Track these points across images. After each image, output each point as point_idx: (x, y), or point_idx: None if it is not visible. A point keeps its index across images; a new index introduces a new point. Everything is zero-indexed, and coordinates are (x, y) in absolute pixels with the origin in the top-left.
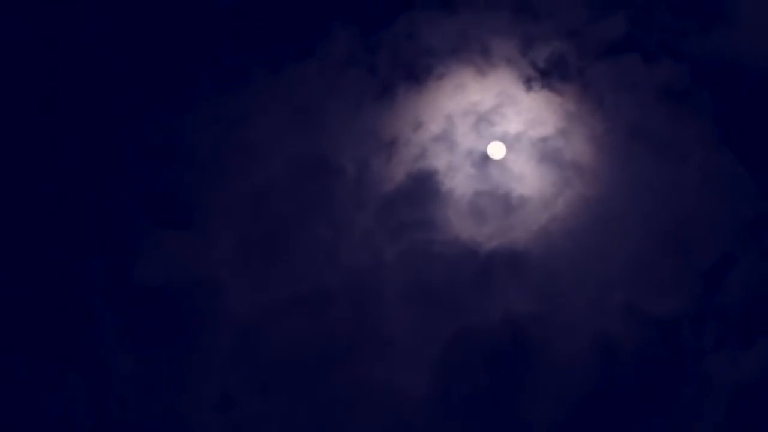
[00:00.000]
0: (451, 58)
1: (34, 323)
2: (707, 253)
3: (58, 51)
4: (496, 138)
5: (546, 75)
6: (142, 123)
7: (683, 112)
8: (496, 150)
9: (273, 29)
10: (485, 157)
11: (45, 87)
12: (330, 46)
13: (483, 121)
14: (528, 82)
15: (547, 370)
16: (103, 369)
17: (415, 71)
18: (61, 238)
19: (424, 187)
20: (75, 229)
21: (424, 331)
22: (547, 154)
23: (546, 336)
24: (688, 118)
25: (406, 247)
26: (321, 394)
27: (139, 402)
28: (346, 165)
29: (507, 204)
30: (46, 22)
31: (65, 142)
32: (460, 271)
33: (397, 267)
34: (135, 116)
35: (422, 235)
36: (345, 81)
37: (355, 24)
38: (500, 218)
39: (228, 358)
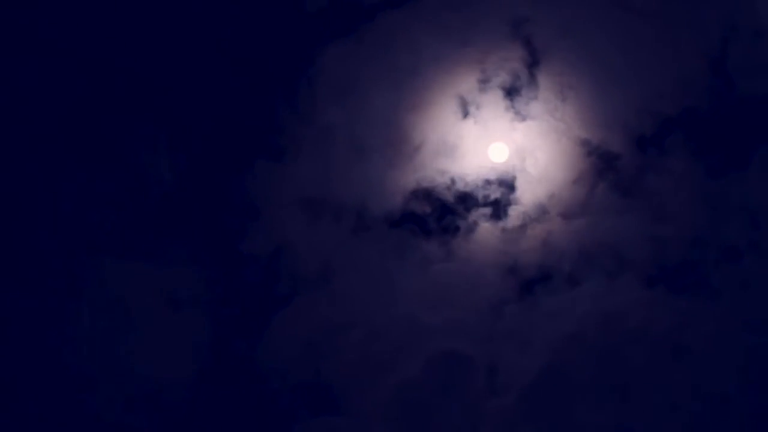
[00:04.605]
0: (585, 262)
1: None
2: None
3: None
4: (622, 335)
5: (669, 276)
6: (289, 317)
7: None
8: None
9: (418, 233)
10: (612, 352)
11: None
12: (471, 244)
13: (612, 319)
14: (653, 283)
15: None
16: None
17: (552, 273)
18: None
19: (557, 379)
20: (232, 416)
21: None
22: (665, 346)
23: None
24: None
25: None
26: None
27: None
28: (484, 358)
29: (624, 393)
30: None
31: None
32: None
33: None
34: (286, 309)
35: (551, 421)
36: (485, 280)
37: (496, 225)
38: (617, 405)
39: None
